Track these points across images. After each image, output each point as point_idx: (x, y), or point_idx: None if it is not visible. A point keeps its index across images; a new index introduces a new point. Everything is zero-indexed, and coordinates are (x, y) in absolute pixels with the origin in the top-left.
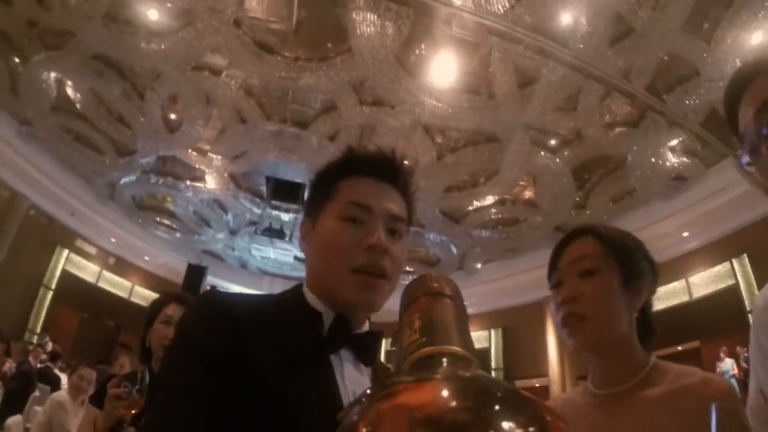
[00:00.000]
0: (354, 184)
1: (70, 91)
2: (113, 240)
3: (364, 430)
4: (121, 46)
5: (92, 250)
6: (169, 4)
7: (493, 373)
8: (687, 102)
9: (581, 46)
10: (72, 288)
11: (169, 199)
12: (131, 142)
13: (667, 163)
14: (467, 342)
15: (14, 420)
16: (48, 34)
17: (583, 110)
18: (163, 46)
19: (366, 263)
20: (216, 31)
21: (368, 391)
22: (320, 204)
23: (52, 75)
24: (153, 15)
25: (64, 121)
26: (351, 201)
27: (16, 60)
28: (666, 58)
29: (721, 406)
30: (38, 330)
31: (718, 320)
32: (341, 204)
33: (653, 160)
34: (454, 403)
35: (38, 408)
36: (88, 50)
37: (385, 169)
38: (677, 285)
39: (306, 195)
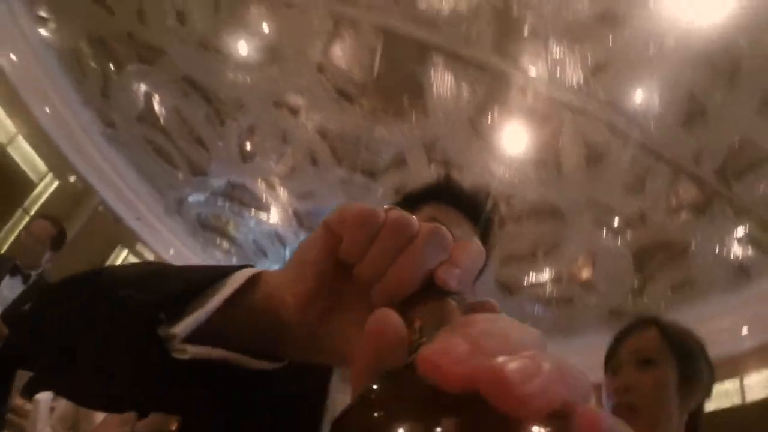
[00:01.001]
0: (438, 209)
1: (156, 105)
2: (172, 252)
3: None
4: (209, 72)
5: (150, 257)
6: (259, 41)
7: None
8: (757, 190)
9: (652, 125)
10: None
11: (232, 224)
12: (206, 164)
13: (731, 255)
14: None
15: (43, 396)
16: (143, 48)
17: (650, 192)
18: (248, 79)
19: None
20: (300, 74)
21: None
22: None
23: (142, 87)
24: (243, 48)
25: (146, 132)
26: (430, 218)
27: (111, 67)
28: (737, 142)
29: None
30: None
31: None
32: (421, 218)
33: (717, 250)
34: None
35: None
36: (178, 70)
37: (472, 206)
38: (730, 386)
39: None
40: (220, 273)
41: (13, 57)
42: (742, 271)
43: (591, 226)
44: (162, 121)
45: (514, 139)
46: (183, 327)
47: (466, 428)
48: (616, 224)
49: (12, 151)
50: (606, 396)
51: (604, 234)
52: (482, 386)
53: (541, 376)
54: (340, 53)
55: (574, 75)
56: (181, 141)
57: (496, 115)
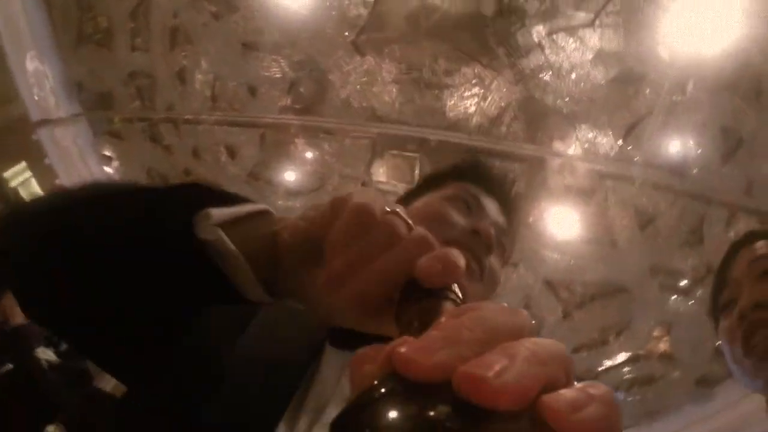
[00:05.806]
0: (464, 186)
1: None
2: None
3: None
4: (261, 203)
5: None
6: (305, 167)
7: None
8: None
9: (695, 171)
10: None
11: None
12: None
13: None
14: None
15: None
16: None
17: (710, 240)
18: (298, 204)
19: (466, 242)
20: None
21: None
22: (421, 193)
23: None
24: (290, 176)
25: None
26: (463, 188)
27: None
28: None
29: None
30: None
31: None
32: (450, 189)
33: None
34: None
35: None
36: None
37: (498, 186)
38: None
39: None
40: (242, 198)
41: None
42: None
43: (658, 293)
44: None
45: (561, 222)
46: (221, 213)
47: (454, 421)
48: (683, 284)
49: None
50: (728, 340)
51: (674, 299)
52: (457, 385)
53: (514, 367)
54: (381, 171)
55: (606, 143)
56: None
57: (539, 202)
